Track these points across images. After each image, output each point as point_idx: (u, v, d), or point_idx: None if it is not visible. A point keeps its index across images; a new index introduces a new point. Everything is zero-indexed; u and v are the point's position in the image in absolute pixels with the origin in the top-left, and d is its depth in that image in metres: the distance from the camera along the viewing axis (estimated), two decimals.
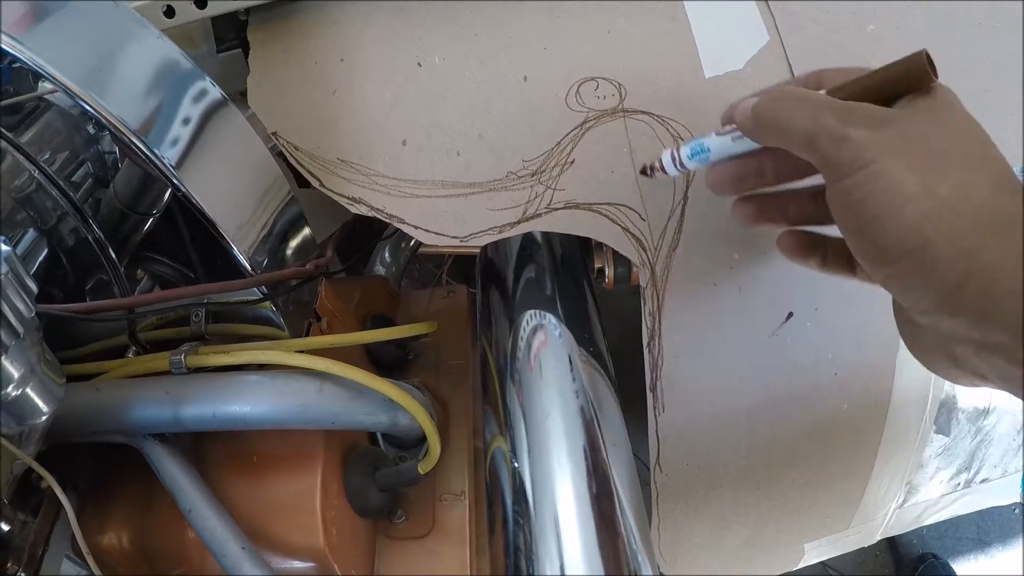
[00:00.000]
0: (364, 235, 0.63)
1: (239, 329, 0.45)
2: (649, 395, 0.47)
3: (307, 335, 0.45)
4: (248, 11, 0.48)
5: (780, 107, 0.32)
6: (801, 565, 0.61)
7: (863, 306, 0.46)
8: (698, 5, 0.45)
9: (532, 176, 0.43)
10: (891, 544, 1.43)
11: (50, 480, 0.36)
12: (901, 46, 0.45)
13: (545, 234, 0.56)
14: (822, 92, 0.33)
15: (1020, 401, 0.28)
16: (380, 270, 0.77)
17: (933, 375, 0.50)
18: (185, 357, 0.40)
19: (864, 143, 0.29)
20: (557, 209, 0.43)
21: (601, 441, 0.43)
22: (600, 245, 0.50)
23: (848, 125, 0.29)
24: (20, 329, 0.31)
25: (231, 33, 0.51)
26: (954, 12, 0.46)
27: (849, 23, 0.45)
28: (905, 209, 0.27)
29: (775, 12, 0.45)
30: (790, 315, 0.46)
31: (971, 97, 0.44)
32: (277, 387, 0.40)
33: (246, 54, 0.48)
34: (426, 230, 0.43)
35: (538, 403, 0.44)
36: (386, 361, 0.54)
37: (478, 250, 0.62)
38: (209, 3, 0.45)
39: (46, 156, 0.45)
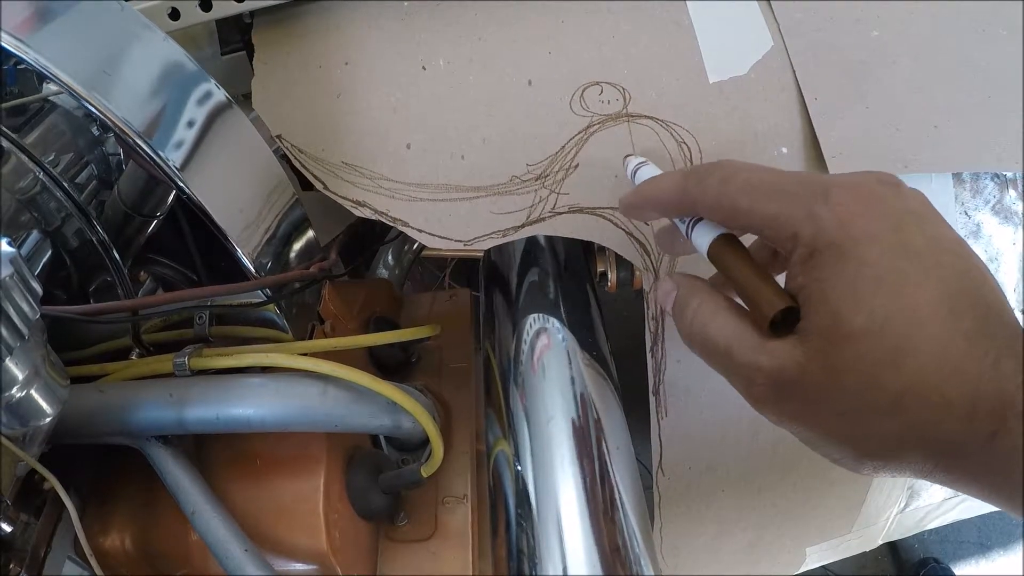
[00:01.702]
0: (367, 238, 0.63)
1: (242, 331, 0.45)
2: (652, 399, 0.47)
3: (310, 338, 0.45)
4: (253, 14, 0.48)
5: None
6: (803, 569, 0.61)
7: None
8: (702, 10, 0.45)
9: (536, 180, 0.43)
10: (892, 548, 1.42)
11: (53, 481, 0.36)
12: (904, 52, 0.45)
13: (548, 238, 0.56)
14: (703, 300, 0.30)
15: None
16: (383, 273, 0.77)
17: None
18: (189, 359, 0.40)
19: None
20: (561, 213, 0.43)
21: (604, 444, 0.43)
22: (603, 249, 0.50)
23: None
24: (25, 331, 0.31)
25: (235, 36, 0.51)
26: (957, 18, 0.46)
27: (853, 28, 0.45)
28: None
29: (779, 17, 0.45)
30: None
31: (973, 103, 0.44)
32: (280, 390, 0.40)
33: (250, 57, 0.48)
34: (430, 234, 0.43)
35: (541, 406, 0.44)
36: (389, 364, 0.54)
37: (481, 254, 0.62)
38: (214, 6, 0.45)
39: (50, 158, 0.45)
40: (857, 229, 0.25)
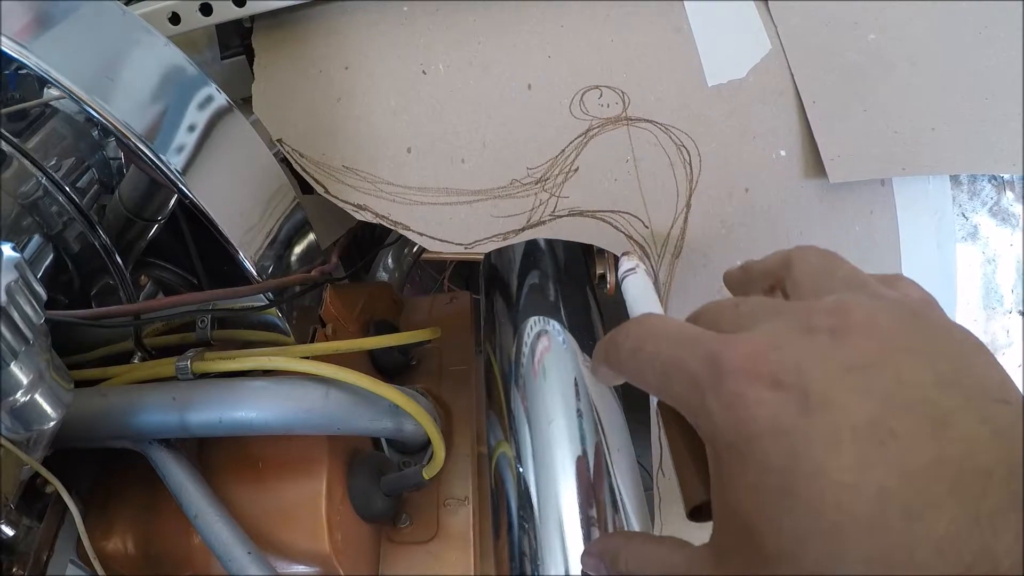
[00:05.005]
0: (368, 242, 0.63)
1: (244, 335, 0.45)
2: (652, 400, 0.47)
3: (312, 341, 0.46)
4: (253, 18, 0.48)
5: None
6: None
7: None
8: (701, 13, 0.46)
9: (536, 183, 0.44)
10: None
11: (57, 485, 0.36)
12: (902, 55, 0.45)
13: (548, 241, 0.56)
14: None
15: None
16: (383, 276, 0.77)
17: None
18: (191, 363, 0.40)
19: None
20: (561, 216, 0.43)
21: (604, 446, 0.43)
22: (602, 251, 0.50)
23: None
24: (29, 335, 0.31)
25: (235, 40, 0.52)
26: (955, 21, 0.46)
27: (851, 32, 0.45)
28: None
29: (777, 20, 0.45)
30: None
31: (971, 105, 0.44)
32: (283, 393, 0.40)
33: (250, 61, 0.48)
34: (431, 237, 0.43)
35: (542, 408, 0.44)
36: (390, 367, 0.54)
37: (482, 257, 0.62)
38: (215, 10, 0.45)
39: (52, 162, 0.45)
40: (754, 425, 0.20)
